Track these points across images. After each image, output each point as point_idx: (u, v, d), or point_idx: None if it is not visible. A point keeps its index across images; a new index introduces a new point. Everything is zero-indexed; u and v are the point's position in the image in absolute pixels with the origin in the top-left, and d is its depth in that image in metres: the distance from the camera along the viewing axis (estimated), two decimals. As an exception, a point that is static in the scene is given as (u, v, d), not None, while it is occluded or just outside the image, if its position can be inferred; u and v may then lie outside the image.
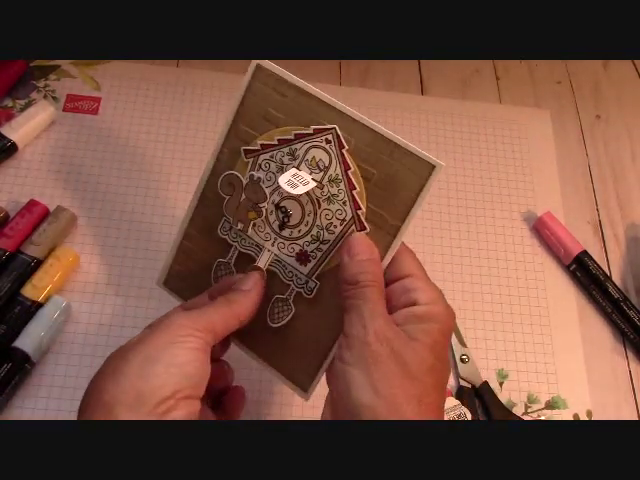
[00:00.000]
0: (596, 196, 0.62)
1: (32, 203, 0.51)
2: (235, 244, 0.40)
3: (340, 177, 0.37)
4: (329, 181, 0.38)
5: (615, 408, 0.52)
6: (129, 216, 0.54)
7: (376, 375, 0.32)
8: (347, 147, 0.37)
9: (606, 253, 0.59)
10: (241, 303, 0.37)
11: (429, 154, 0.36)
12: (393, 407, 0.31)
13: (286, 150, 0.38)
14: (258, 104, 0.39)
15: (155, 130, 0.59)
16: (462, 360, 0.51)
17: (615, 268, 0.58)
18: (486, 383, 0.50)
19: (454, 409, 0.48)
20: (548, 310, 0.55)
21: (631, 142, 0.66)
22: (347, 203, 0.37)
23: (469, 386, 0.50)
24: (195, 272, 0.42)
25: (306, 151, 0.38)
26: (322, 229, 0.38)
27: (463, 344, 0.52)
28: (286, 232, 0.39)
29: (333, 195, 0.38)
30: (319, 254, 0.39)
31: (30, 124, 0.55)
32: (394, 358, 0.32)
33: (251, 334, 0.39)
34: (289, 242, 0.39)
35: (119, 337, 0.49)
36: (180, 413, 0.32)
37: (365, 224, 0.37)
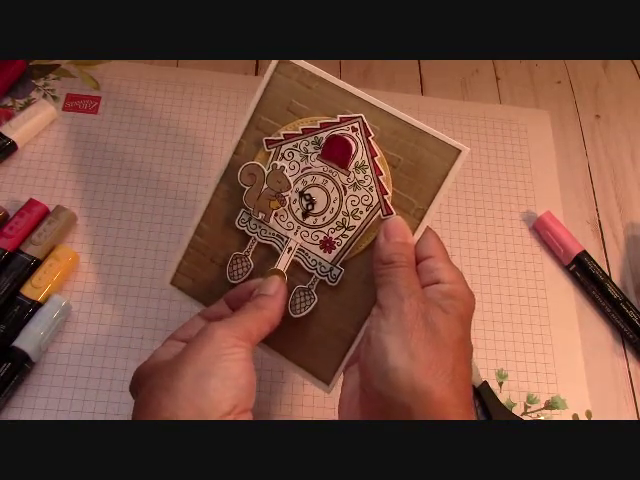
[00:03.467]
0: (595, 196, 0.62)
1: (32, 202, 0.51)
2: (254, 235, 0.40)
3: (367, 163, 0.38)
4: (355, 168, 0.38)
5: (614, 408, 0.52)
6: (129, 216, 0.54)
7: (413, 342, 0.33)
8: (373, 135, 0.38)
9: (605, 253, 0.59)
10: (271, 308, 0.37)
11: (454, 140, 0.37)
12: (429, 372, 0.32)
13: (311, 139, 0.39)
14: (281, 96, 0.40)
15: (155, 130, 0.59)
16: (462, 360, 0.51)
17: (614, 268, 0.58)
18: (485, 383, 0.50)
19: (454, 409, 0.48)
20: (548, 310, 0.55)
21: (631, 142, 0.66)
22: (373, 189, 0.38)
23: (469, 386, 0.50)
24: (207, 268, 0.41)
25: None
26: (348, 215, 0.39)
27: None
28: (310, 220, 0.39)
29: (359, 181, 0.38)
30: (344, 240, 0.39)
31: (30, 123, 0.55)
32: (429, 328, 0.34)
33: None
34: (313, 230, 0.39)
35: (119, 337, 0.49)
36: None
37: (392, 208, 0.38)
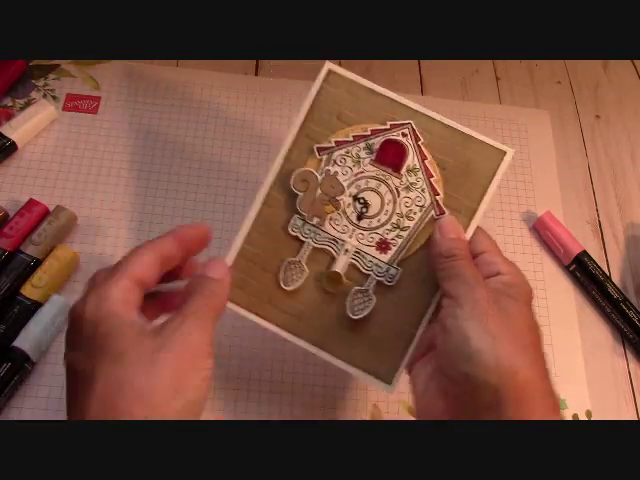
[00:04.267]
0: (595, 196, 0.62)
1: (32, 202, 0.51)
2: (308, 240, 0.41)
3: (418, 167, 0.41)
4: (407, 171, 0.41)
5: (614, 408, 0.52)
6: (129, 215, 0.54)
7: (491, 326, 0.34)
8: (422, 140, 0.41)
9: (605, 253, 0.59)
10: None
11: (499, 143, 0.41)
12: (512, 351, 0.34)
13: (362, 145, 0.41)
14: (330, 105, 0.41)
15: (155, 130, 0.59)
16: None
17: (614, 268, 0.58)
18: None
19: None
20: (548, 310, 0.55)
21: (630, 142, 0.66)
22: (426, 190, 0.41)
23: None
24: (258, 276, 0.41)
25: None
26: (402, 216, 0.40)
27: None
28: (365, 222, 0.41)
29: (412, 184, 0.41)
30: (400, 241, 0.40)
31: (30, 123, 0.55)
32: (503, 313, 0.35)
33: (324, 335, 0.40)
34: (368, 232, 0.41)
35: (119, 337, 0.49)
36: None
37: (444, 208, 0.40)
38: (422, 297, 0.40)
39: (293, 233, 0.41)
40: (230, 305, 0.40)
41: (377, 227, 0.41)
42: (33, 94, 0.59)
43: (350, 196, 0.41)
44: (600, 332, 0.55)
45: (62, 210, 0.51)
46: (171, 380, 0.31)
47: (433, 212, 0.40)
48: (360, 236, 0.41)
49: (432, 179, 0.40)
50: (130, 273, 0.34)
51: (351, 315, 0.40)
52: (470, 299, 0.35)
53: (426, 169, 0.41)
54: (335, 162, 0.41)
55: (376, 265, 0.40)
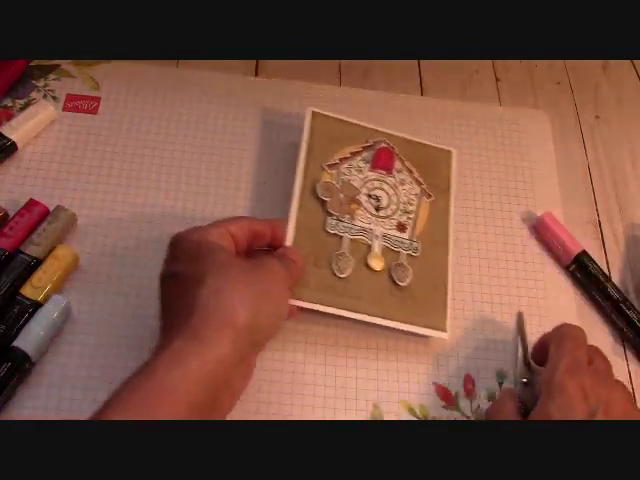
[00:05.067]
0: (595, 196, 0.62)
1: (32, 203, 0.51)
2: (345, 234, 0.50)
3: (401, 168, 0.55)
4: (396, 171, 0.55)
5: (614, 408, 0.52)
6: (129, 216, 0.54)
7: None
8: (396, 150, 0.56)
9: (605, 253, 0.59)
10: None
11: (442, 145, 0.58)
12: None
13: (358, 158, 0.55)
14: (324, 135, 0.54)
15: (155, 130, 0.59)
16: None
17: (614, 268, 0.58)
18: (486, 383, 0.50)
19: (454, 409, 0.48)
20: (547, 310, 0.55)
21: (630, 142, 0.66)
22: (413, 183, 0.55)
23: (469, 386, 0.50)
24: (313, 272, 0.48)
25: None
26: (405, 203, 0.54)
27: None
28: (382, 213, 0.52)
29: (402, 180, 0.55)
30: (410, 221, 0.53)
31: (30, 123, 0.55)
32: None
33: (382, 306, 0.48)
34: (387, 219, 0.52)
35: (118, 337, 0.49)
36: None
37: (430, 193, 0.55)
38: (441, 256, 0.52)
39: (331, 231, 0.50)
40: (301, 303, 0.47)
41: (392, 214, 0.53)
42: (33, 94, 0.59)
43: (365, 195, 0.52)
44: (600, 332, 0.55)
45: (62, 210, 0.51)
46: (261, 293, 0.39)
47: (424, 197, 0.54)
48: (383, 223, 0.52)
49: (414, 175, 0.55)
50: (226, 226, 0.43)
51: (400, 283, 0.50)
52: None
53: (407, 169, 0.55)
54: (344, 173, 0.53)
55: (402, 242, 0.51)
